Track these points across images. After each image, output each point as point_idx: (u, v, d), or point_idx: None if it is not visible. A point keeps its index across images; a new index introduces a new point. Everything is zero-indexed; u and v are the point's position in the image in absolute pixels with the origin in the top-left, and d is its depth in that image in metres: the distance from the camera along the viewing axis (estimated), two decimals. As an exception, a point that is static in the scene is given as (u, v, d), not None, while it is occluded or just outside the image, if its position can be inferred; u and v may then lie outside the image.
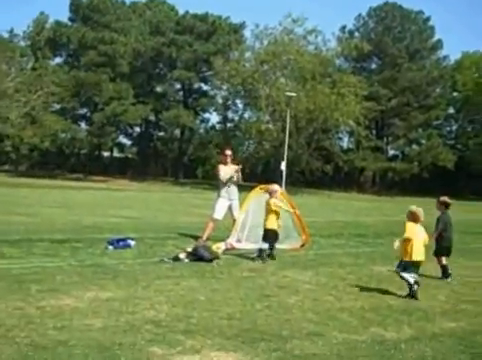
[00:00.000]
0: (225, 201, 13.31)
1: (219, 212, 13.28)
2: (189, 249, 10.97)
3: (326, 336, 6.21)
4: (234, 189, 13.45)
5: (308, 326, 6.55)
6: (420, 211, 8.88)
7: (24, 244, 11.46)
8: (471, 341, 6.33)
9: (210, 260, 10.61)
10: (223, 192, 13.33)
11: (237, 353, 5.48)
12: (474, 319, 7.42)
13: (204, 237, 12.92)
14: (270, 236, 11.45)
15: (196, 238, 13.14)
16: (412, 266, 8.63)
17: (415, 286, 8.42)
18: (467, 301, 8.42)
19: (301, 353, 5.59)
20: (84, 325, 6.04)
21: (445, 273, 10.33)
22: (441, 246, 10.45)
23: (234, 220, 13.07)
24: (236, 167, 13.50)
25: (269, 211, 11.68)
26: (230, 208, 13.33)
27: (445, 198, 10.91)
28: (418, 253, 8.64)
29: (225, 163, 13.57)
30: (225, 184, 13.28)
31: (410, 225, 8.78)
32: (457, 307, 8.03)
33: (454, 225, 10.85)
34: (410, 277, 8.49)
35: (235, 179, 13.33)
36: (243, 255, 11.59)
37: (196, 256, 10.58)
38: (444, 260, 10.46)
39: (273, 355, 5.48)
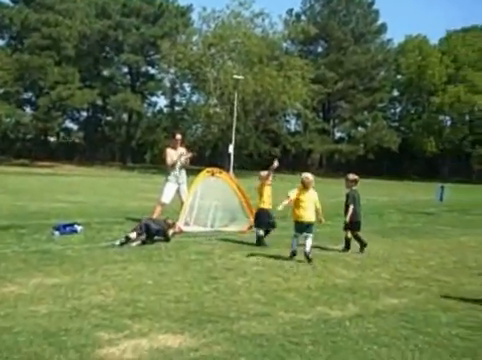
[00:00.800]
0: (173, 185, 13.31)
1: (167, 196, 13.26)
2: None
3: (273, 316, 6.30)
4: (182, 173, 13.45)
5: (255, 307, 6.63)
6: (310, 179, 10.05)
7: (-33, 232, 11.23)
8: (412, 317, 6.52)
9: (158, 231, 10.76)
10: (171, 176, 13.31)
11: (184, 335, 5.52)
12: (416, 295, 7.63)
13: None
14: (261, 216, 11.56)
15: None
16: (299, 226, 9.87)
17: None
18: (409, 278, 8.66)
19: (248, 333, 5.66)
20: (29, 312, 5.98)
21: (348, 246, 11.07)
22: (351, 221, 11.02)
23: (182, 203, 13.10)
24: (185, 151, 13.49)
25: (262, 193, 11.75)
26: (178, 192, 13.34)
27: (354, 175, 11.52)
28: (304, 214, 9.85)
29: (174, 147, 13.50)
30: (172, 168, 13.26)
31: (299, 190, 10.05)
32: (400, 284, 8.24)
33: (400, 206, 11.19)
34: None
35: (183, 161, 13.33)
36: (191, 238, 11.62)
37: (143, 230, 10.63)
38: (349, 234, 11.10)
39: (220, 336, 5.53)
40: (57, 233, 11.25)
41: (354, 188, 11.28)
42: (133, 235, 10.49)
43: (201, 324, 5.86)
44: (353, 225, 11.07)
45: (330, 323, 6.14)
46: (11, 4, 65.20)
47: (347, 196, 11.21)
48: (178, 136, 13.68)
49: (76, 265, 8.38)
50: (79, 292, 6.84)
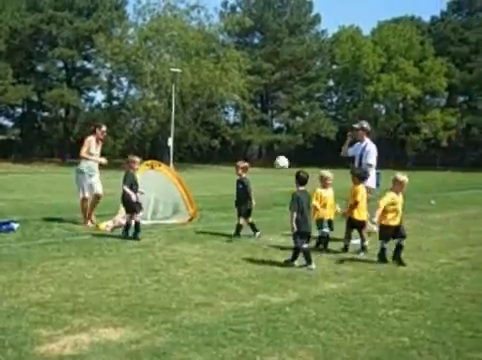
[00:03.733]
0: (87, 177, 12.71)
1: (87, 189, 12.72)
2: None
3: (214, 305, 6.34)
4: (95, 164, 12.95)
5: (197, 297, 6.66)
6: (329, 176, 10.49)
7: None
8: (350, 300, 6.68)
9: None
10: (84, 167, 12.75)
11: (125, 328, 5.50)
12: (354, 279, 7.82)
13: (89, 221, 12.61)
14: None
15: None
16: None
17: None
18: (348, 263, 8.85)
19: (190, 323, 5.69)
20: (-35, 312, 5.85)
21: (238, 232, 11.30)
22: (240, 208, 11.39)
23: (97, 196, 12.72)
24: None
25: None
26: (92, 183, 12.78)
27: (243, 163, 11.78)
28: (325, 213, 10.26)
29: (98, 140, 12.93)
30: (88, 159, 12.75)
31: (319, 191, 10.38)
32: (338, 269, 8.42)
33: (341, 192, 11.43)
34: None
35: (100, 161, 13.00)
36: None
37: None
38: (242, 220, 11.38)
39: (162, 327, 5.54)
40: (-8, 231, 11.00)
41: (244, 175, 11.52)
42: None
43: (142, 316, 5.86)
44: (243, 211, 11.39)
45: (271, 310, 6.23)
46: None
47: (239, 183, 11.50)
48: (104, 127, 13.14)
49: (13, 263, 8.21)
50: (17, 290, 6.71)
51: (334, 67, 74.61)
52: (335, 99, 78.08)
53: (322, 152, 68.52)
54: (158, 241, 10.54)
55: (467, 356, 5.06)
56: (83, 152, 12.72)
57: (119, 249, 9.63)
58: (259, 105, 71.26)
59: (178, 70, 47.70)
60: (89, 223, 12.48)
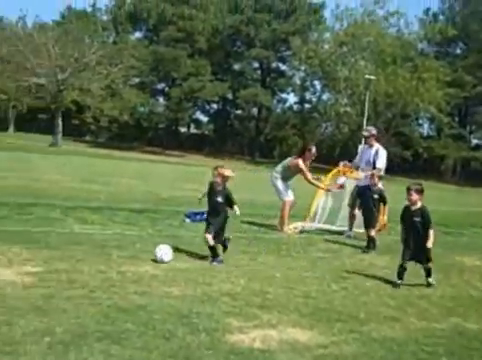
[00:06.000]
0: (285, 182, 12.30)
1: (289, 192, 12.30)
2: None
3: (404, 321, 6.07)
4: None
5: (385, 310, 6.42)
6: None
7: (105, 212, 11.79)
8: None
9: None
10: (285, 181, 12.35)
11: (313, 331, 5.44)
12: None
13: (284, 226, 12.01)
14: None
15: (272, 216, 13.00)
16: None
17: None
18: None
19: (378, 336, 5.49)
20: (163, 292, 6.16)
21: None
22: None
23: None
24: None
25: None
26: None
27: None
28: None
29: (305, 161, 12.16)
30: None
31: None
32: None
33: None
34: None
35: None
36: (319, 235, 11.49)
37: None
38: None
39: (350, 336, 5.40)
40: (188, 220, 11.55)
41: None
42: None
43: (330, 322, 5.76)
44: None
45: (466, 336, 5.81)
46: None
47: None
48: (314, 149, 12.42)
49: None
50: (210, 278, 6.95)
51: None
52: None
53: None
54: (346, 248, 10.41)
55: None
56: (311, 179, 12.12)
57: (306, 251, 9.63)
58: (457, 119, 68.18)
59: (372, 77, 47.14)
60: (285, 229, 11.86)
